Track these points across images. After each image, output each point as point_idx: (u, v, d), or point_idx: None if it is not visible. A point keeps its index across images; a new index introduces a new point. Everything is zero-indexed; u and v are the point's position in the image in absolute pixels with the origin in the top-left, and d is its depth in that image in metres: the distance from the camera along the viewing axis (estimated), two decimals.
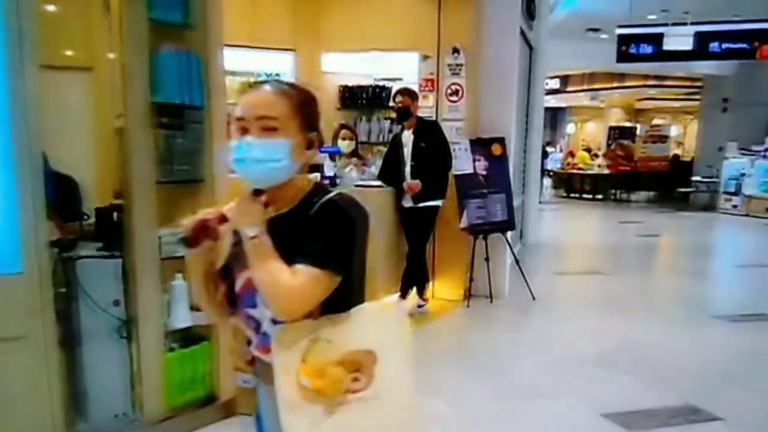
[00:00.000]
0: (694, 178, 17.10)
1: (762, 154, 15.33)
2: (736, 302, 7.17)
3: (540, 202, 18.29)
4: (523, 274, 7.26)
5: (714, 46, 11.30)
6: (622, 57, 11.77)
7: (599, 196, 19.92)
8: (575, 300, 7.35)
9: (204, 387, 3.87)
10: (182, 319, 3.66)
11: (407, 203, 6.31)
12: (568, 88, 23.06)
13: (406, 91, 6.26)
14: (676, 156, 21.12)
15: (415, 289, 6.52)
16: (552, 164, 22.08)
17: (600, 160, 20.54)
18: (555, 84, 22.93)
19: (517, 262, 7.37)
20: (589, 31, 13.83)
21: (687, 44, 11.24)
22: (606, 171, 19.78)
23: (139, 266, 3.47)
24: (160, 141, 3.52)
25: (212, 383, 3.91)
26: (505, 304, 6.97)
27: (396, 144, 6.37)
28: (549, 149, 24.07)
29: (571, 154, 22.48)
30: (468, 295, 6.90)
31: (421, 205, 6.25)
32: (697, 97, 19.47)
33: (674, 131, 26.17)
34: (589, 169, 20.28)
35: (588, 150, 21.96)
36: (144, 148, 3.45)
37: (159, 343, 3.61)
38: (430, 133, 6.26)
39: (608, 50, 12.64)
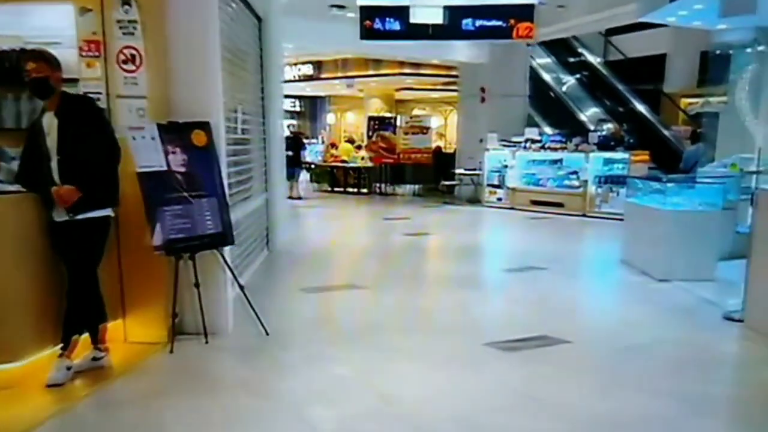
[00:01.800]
0: (457, 171, 16.75)
1: (522, 145, 15.25)
2: (508, 322, 6.15)
3: (299, 198, 17.46)
4: (250, 304, 5.62)
5: (467, 23, 10.50)
6: (367, 33, 10.57)
7: (364, 190, 19.33)
8: (322, 332, 5.83)
9: None
10: None
11: (59, 216, 4.38)
12: (323, 75, 22.09)
13: (38, 55, 4.33)
14: (438, 148, 20.95)
15: (87, 334, 4.69)
16: (312, 156, 20.88)
17: (363, 153, 19.69)
18: (308, 70, 21.95)
19: (241, 288, 5.69)
20: (333, 7, 12.59)
21: (437, 17, 10.29)
22: (370, 164, 18.97)
23: None
24: None
25: None
26: (227, 346, 5.31)
27: (35, 132, 4.41)
28: (312, 140, 23.01)
29: (333, 145, 21.43)
30: (173, 335, 5.15)
31: (80, 217, 4.37)
32: (456, 87, 19.34)
33: (435, 123, 26.42)
34: (353, 162, 19.34)
35: (351, 141, 21.05)
36: None
37: None
38: (80, 114, 4.42)
39: (356, 31, 11.43)
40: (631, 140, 13.81)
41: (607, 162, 13.78)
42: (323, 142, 23.53)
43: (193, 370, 4.82)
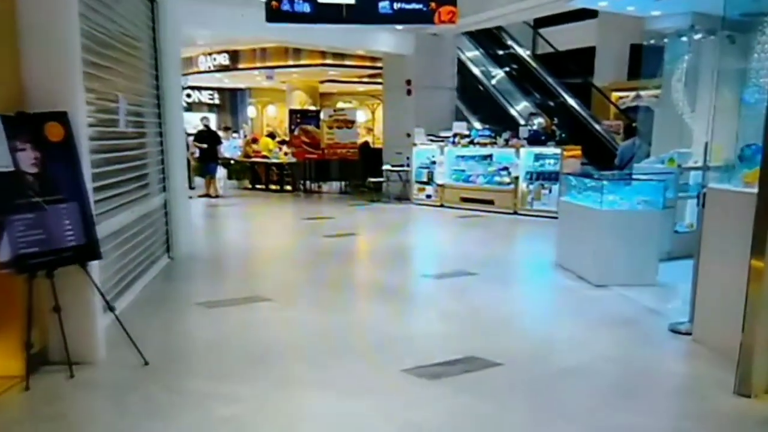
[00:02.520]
0: (384, 167, 16.07)
1: (450, 140, 14.69)
2: (433, 342, 5.47)
3: (217, 196, 16.49)
4: (125, 330, 4.77)
5: (384, 6, 9.75)
6: (273, 15, 9.66)
7: (288, 188, 18.51)
8: (212, 360, 5.00)
9: None
10: None
11: None
12: (240, 65, 21.07)
13: None
14: (366, 143, 20.24)
15: None
16: (232, 152, 19.86)
17: (286, 148, 18.80)
18: (223, 60, 20.89)
19: (111, 309, 4.83)
20: None
21: None
22: (293, 160, 18.11)
23: None
24: None
25: None
26: (95, 380, 4.46)
27: None
28: (232, 135, 21.96)
29: (255, 140, 20.43)
30: (28, 368, 4.29)
31: None
32: (382, 80, 18.65)
33: (362, 116, 25.76)
34: (275, 158, 18.45)
35: (272, 136, 20.10)
36: None
37: None
38: None
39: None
40: (563, 135, 13.41)
41: (539, 157, 13.35)
42: (245, 137, 22.54)
43: (47, 413, 3.96)
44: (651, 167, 8.55)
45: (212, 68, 21.58)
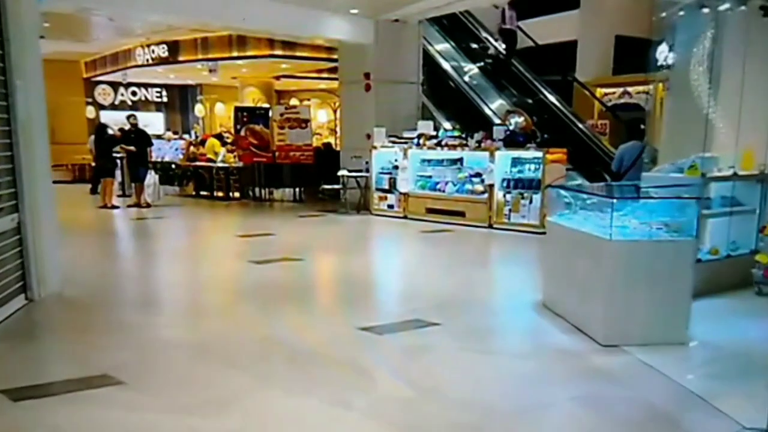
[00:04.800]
0: (341, 173, 13.90)
1: (415, 141, 12.59)
2: None
3: (147, 205, 14.22)
4: None
5: None
6: None
7: (236, 195, 16.30)
8: None
9: None
10: None
11: None
12: (180, 57, 18.81)
13: None
14: (327, 145, 18.07)
15: None
16: (173, 154, 17.61)
17: (233, 150, 16.60)
18: (162, 51, 18.61)
19: None
20: None
21: None
22: (240, 163, 15.91)
23: None
24: None
25: None
26: None
27: None
28: (184, 136, 19.74)
29: (204, 142, 18.16)
30: None
31: None
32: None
33: (323, 116, 23.59)
34: (220, 161, 16.24)
35: (220, 137, 17.80)
36: None
37: None
38: None
39: None
40: (545, 135, 11.36)
41: (516, 162, 11.29)
42: (196, 138, 20.27)
43: None
44: (665, 177, 6.48)
45: (150, 61, 19.27)
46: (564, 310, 5.69)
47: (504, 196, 11.34)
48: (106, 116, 21.97)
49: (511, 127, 11.70)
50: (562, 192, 6.17)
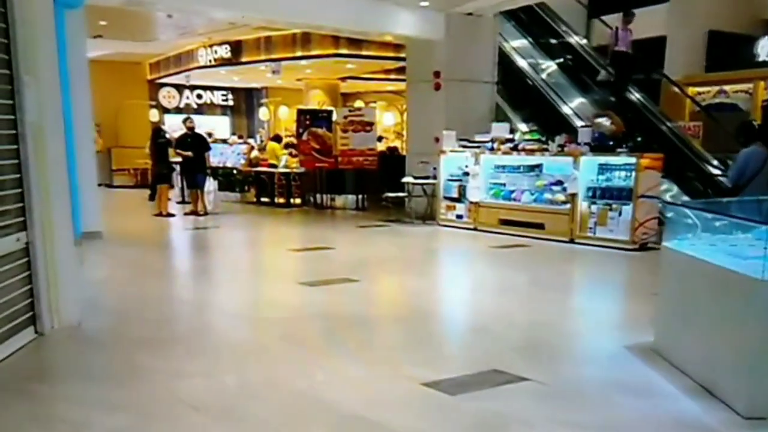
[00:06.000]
0: (406, 179, 12.73)
1: (488, 145, 11.33)
2: None
3: (205, 213, 13.45)
4: None
5: None
6: None
7: (297, 201, 15.40)
8: None
9: None
10: None
11: None
12: (243, 58, 18.08)
13: None
14: (393, 149, 16.97)
15: None
16: (235, 159, 16.85)
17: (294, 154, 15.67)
18: (225, 52, 17.91)
19: None
20: None
21: None
22: (302, 168, 14.97)
23: None
24: None
25: None
26: None
27: None
28: (248, 140, 19.08)
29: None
30: None
31: None
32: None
33: (390, 119, 22.47)
34: (282, 166, 15.33)
35: (277, 139, 16.88)
36: None
37: None
38: None
39: None
40: (639, 138, 9.91)
41: (605, 169, 9.93)
42: (260, 142, 19.53)
43: None
44: None
45: (213, 62, 18.63)
46: (685, 362, 4.39)
47: (589, 206, 10.00)
48: (170, 119, 21.54)
49: (600, 130, 10.29)
50: (686, 212, 4.82)
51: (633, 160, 9.50)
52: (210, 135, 17.10)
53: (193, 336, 5.37)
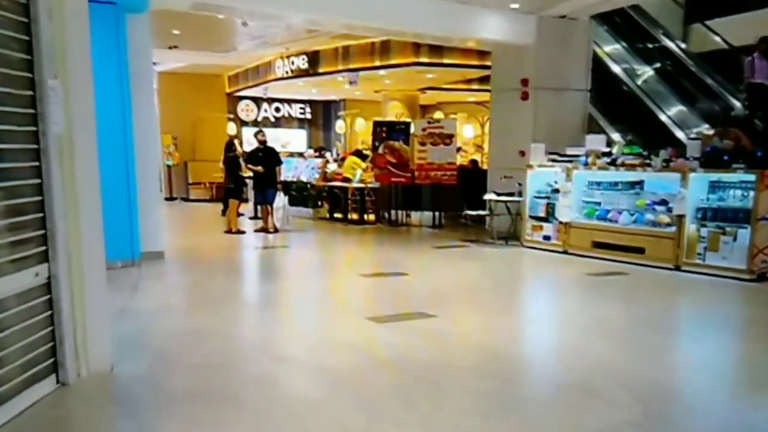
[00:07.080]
0: (488, 196, 11.67)
1: (582, 159, 10.19)
2: None
3: (275, 231, 12.79)
4: None
5: None
6: None
7: (372, 217, 14.77)
8: None
9: None
10: None
11: None
12: (321, 69, 17.48)
13: None
14: (474, 162, 15.95)
15: None
16: (308, 174, 16.17)
17: (369, 169, 14.86)
18: (302, 63, 17.38)
19: None
20: None
21: None
22: (377, 184, 14.15)
23: None
24: None
25: None
26: None
27: None
28: (314, 155, 18.45)
29: (345, 159, 16.64)
30: None
31: None
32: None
33: (469, 132, 21.39)
34: (357, 181, 14.56)
35: (359, 153, 16.07)
36: None
37: None
38: None
39: None
40: (759, 153, 8.57)
41: (717, 187, 8.66)
42: (338, 155, 18.85)
43: None
44: None
45: (290, 73, 18.09)
46: None
47: (698, 229, 8.75)
48: (247, 132, 21.21)
49: (715, 144, 8.96)
50: None
51: (752, 177, 8.20)
52: (284, 147, 16.56)
53: (232, 390, 4.44)
